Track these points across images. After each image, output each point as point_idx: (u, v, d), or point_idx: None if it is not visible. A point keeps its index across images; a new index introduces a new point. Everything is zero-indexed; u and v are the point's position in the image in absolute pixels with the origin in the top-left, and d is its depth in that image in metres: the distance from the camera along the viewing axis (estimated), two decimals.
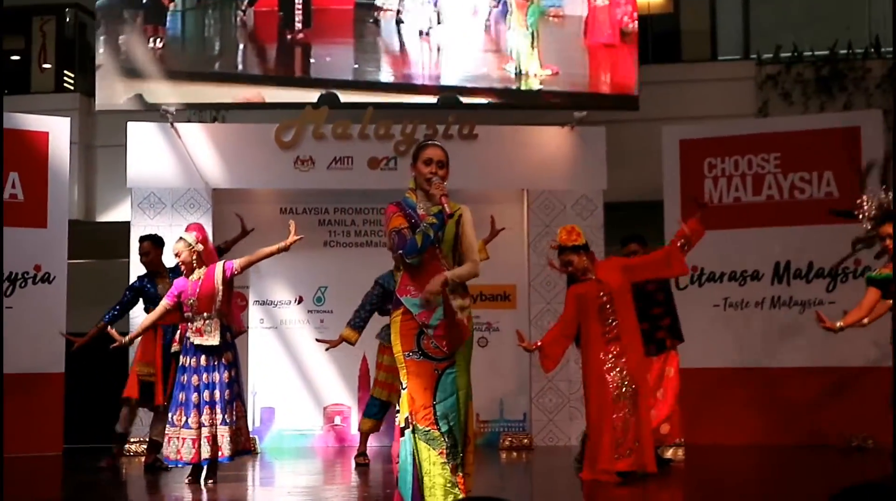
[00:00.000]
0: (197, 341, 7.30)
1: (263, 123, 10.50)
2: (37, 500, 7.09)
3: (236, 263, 7.45)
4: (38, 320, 9.55)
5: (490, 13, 10.47)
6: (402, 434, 5.16)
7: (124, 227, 10.39)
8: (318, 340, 9.01)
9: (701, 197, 9.17)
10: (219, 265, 7.43)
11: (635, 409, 7.37)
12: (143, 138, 10.29)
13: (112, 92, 10.15)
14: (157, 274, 8.51)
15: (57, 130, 10.14)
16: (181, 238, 7.50)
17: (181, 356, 7.42)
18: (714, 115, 12.14)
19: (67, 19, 14.36)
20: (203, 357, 7.31)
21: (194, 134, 10.39)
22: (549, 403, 10.21)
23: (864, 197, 7.32)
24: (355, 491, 7.73)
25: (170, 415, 7.35)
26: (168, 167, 10.25)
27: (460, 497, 5.02)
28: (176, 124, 10.31)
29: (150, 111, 10.27)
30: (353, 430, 10.33)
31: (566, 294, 7.69)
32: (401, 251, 5.08)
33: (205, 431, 7.23)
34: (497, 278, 10.25)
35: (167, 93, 10.15)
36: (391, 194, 9.76)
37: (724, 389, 9.96)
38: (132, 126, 10.34)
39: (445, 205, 5.10)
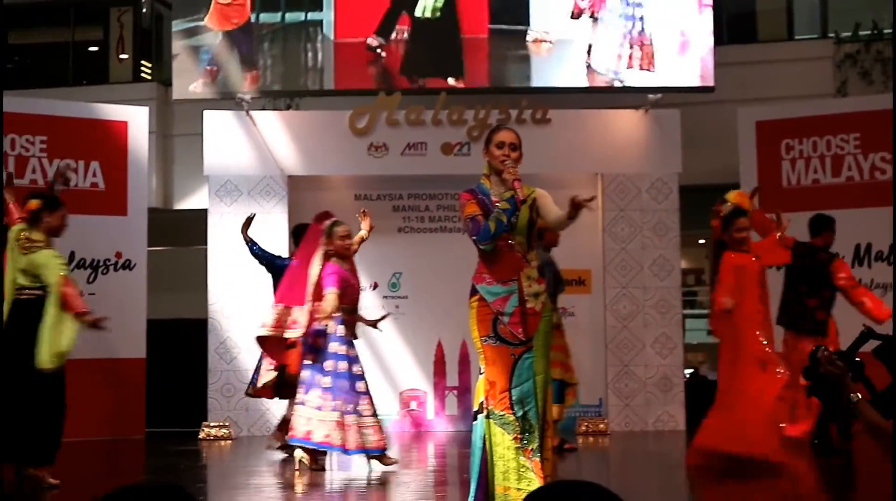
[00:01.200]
0: (351, 332, 7.41)
1: (337, 110, 10.56)
2: (118, 482, 7.22)
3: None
4: (120, 306, 9.72)
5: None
6: (475, 418, 5.18)
7: (202, 214, 10.53)
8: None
9: (773, 179, 8.88)
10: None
11: (793, 391, 7.19)
12: (219, 127, 10.41)
13: (188, 81, 10.28)
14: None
15: (136, 120, 10.30)
16: (342, 223, 7.51)
17: (337, 345, 7.36)
18: (791, 95, 11.96)
19: (144, 10, 14.56)
20: (347, 347, 7.38)
21: (269, 122, 10.50)
22: (626, 388, 10.17)
23: None
24: (432, 476, 7.78)
25: (315, 399, 7.29)
26: (244, 155, 10.37)
27: (535, 481, 5.02)
28: (251, 112, 10.41)
29: (225, 100, 10.39)
30: (429, 415, 10.38)
31: (724, 262, 7.36)
32: (475, 238, 5.09)
33: (350, 418, 7.26)
34: (572, 263, 10.21)
35: (243, 81, 10.26)
36: (465, 180, 9.79)
37: None
38: (208, 115, 10.46)
39: (518, 190, 5.09)
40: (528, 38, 10.31)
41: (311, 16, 10.35)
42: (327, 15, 10.32)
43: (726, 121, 10.95)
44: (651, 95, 10.43)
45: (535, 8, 10.36)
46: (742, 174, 10.43)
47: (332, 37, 10.31)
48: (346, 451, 7.25)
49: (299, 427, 7.22)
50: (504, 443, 5.07)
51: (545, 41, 10.32)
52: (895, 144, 9.20)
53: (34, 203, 6.70)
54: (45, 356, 6.37)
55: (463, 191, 5.24)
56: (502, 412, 5.08)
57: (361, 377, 7.38)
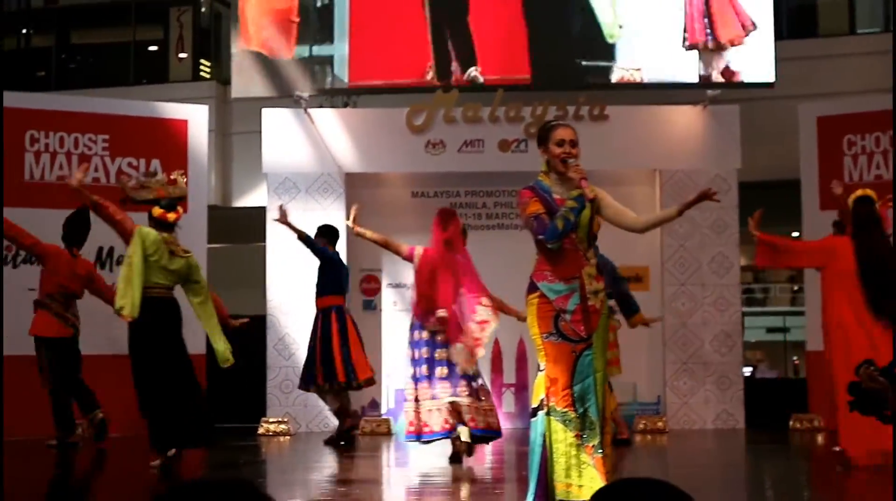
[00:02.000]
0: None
1: (395, 108, 10.59)
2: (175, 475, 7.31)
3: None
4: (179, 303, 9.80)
5: None
6: (534, 415, 5.17)
7: (260, 212, 10.61)
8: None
9: (835, 175, 8.65)
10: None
11: None
12: (277, 125, 10.49)
13: (247, 80, 10.37)
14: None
15: (196, 118, 10.40)
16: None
17: (424, 333, 7.44)
18: (853, 90, 11.80)
19: (203, 9, 14.70)
20: (438, 335, 7.42)
21: (327, 119, 10.55)
22: (684, 386, 10.10)
23: None
24: (489, 473, 7.78)
25: (413, 388, 7.37)
26: (302, 152, 10.43)
27: (597, 477, 5.01)
28: (309, 110, 10.47)
29: (283, 98, 10.46)
30: None
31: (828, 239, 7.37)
32: (541, 236, 5.07)
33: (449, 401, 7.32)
34: (630, 260, 10.15)
35: (301, 80, 10.33)
36: (522, 177, 9.79)
37: None
38: (267, 113, 10.54)
39: (586, 188, 5.08)
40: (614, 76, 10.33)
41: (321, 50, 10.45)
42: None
43: (787, 116, 10.83)
44: (710, 91, 10.35)
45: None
46: (803, 170, 10.32)
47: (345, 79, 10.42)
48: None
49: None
50: (566, 440, 5.06)
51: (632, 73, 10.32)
52: (895, 144, 9.05)
53: (159, 211, 6.97)
54: (227, 354, 7.14)
55: (523, 188, 5.22)
56: (564, 410, 5.08)
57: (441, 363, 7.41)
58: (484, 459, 8.19)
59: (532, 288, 5.17)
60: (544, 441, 5.09)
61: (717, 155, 10.39)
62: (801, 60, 12.04)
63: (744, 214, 10.06)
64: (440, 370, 7.32)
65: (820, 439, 8.44)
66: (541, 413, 5.11)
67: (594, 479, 5.00)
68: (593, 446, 5.12)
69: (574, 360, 5.10)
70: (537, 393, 5.14)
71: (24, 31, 15.02)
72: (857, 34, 13.00)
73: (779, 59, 10.41)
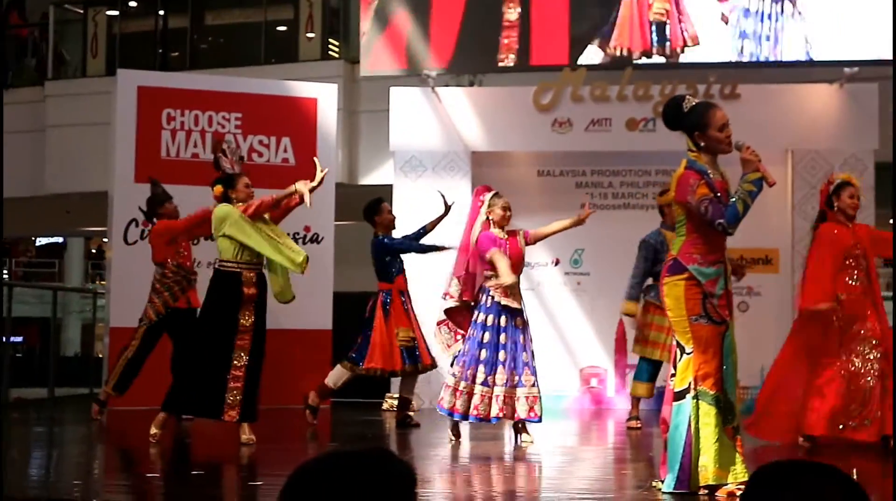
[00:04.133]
0: (504, 301, 7.37)
1: (521, 86, 10.57)
2: (309, 449, 7.46)
3: (532, 233, 7.54)
4: (308, 278, 9.94)
5: None
6: (679, 399, 5.12)
7: (386, 190, 10.71)
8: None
9: None
10: (521, 232, 7.53)
11: (882, 376, 6.98)
12: (405, 103, 10.56)
13: (376, 59, 10.45)
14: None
15: (325, 97, 10.54)
16: (502, 196, 7.62)
17: (479, 314, 7.38)
18: None
19: None
20: (504, 318, 7.37)
21: (454, 98, 10.59)
22: None
23: None
24: (612, 453, 7.75)
25: (460, 370, 7.32)
26: (429, 131, 10.49)
27: (739, 459, 5.00)
28: (437, 89, 10.52)
29: (411, 76, 10.52)
30: (610, 392, 10.33)
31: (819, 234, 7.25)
32: (721, 222, 5.00)
33: (497, 390, 7.22)
34: (759, 242, 9.97)
35: (429, 58, 10.37)
36: (650, 156, 9.75)
37: None
38: (395, 91, 10.62)
39: (766, 173, 5.04)
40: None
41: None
42: None
43: None
44: (847, 69, 10.06)
45: None
46: None
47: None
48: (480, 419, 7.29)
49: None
50: (718, 424, 5.03)
51: None
52: (895, 146, 8.65)
53: (219, 189, 7.15)
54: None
55: (686, 170, 5.15)
56: (716, 393, 5.05)
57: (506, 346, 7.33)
58: (607, 440, 8.17)
59: (678, 270, 5.12)
60: (689, 425, 5.06)
61: (853, 135, 10.10)
62: None
63: (880, 195, 9.79)
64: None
65: None
66: (688, 397, 5.08)
67: (737, 463, 5.00)
68: (733, 428, 5.10)
69: (721, 342, 5.09)
70: (684, 377, 5.09)
71: (160, 12, 15.39)
72: None
73: None
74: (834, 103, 10.18)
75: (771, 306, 10.15)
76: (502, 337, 7.29)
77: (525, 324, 7.38)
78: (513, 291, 7.29)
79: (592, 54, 10.33)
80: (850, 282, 7.11)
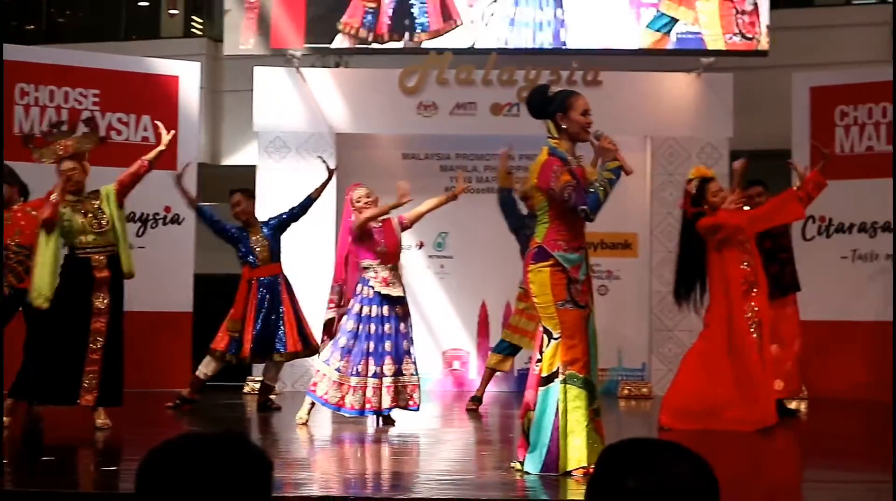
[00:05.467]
0: (384, 291, 7.35)
1: (387, 69, 10.54)
2: (166, 433, 7.33)
3: (407, 216, 7.58)
4: (168, 260, 9.82)
5: None
6: (546, 383, 5.19)
7: (250, 170, 10.59)
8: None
9: (826, 146, 8.81)
10: (394, 219, 7.53)
11: (761, 359, 7.27)
12: (269, 83, 10.43)
13: (239, 38, 10.29)
14: (251, 226, 8.63)
15: (187, 75, 10.34)
16: (363, 186, 7.59)
17: (358, 305, 7.40)
18: (847, 61, 11.77)
19: None
20: (386, 307, 7.37)
21: (319, 79, 10.50)
22: (669, 353, 10.12)
23: None
24: (473, 435, 7.82)
25: (336, 362, 7.34)
26: (293, 112, 10.38)
27: (599, 441, 5.09)
28: (301, 69, 10.41)
29: (275, 56, 10.39)
30: (472, 375, 10.41)
31: (712, 219, 7.47)
32: (584, 208, 5.06)
33: (387, 380, 7.28)
34: (618, 227, 10.17)
35: (293, 38, 10.24)
36: (514, 141, 9.80)
37: (847, 342, 9.74)
38: (258, 71, 10.48)
39: (625, 162, 5.13)
40: None
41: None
42: None
43: (780, 86, 10.80)
44: (704, 59, 10.31)
45: None
46: (794, 140, 10.31)
47: None
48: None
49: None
50: (585, 407, 5.11)
51: None
52: (895, 129, 9.05)
53: None
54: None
55: (549, 156, 5.20)
56: (585, 377, 5.12)
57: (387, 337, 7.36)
58: (468, 422, 8.23)
59: (543, 256, 5.18)
60: (558, 409, 5.13)
61: (709, 123, 10.36)
62: (796, 30, 11.98)
63: (734, 183, 10.07)
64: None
65: (803, 406, 8.53)
66: (556, 382, 5.14)
67: (602, 444, 5.09)
68: (595, 410, 5.20)
69: (586, 327, 5.18)
70: (552, 362, 5.15)
71: None
72: (853, 5, 12.96)
73: (774, 28, 10.37)
74: (691, 92, 10.43)
75: (629, 290, 10.38)
76: (386, 327, 7.31)
77: (406, 312, 7.42)
78: (393, 280, 7.33)
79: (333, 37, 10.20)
80: (745, 267, 7.35)
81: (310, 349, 8.56)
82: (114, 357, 6.92)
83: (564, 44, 10.21)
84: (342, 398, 7.27)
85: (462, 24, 10.16)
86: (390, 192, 8.40)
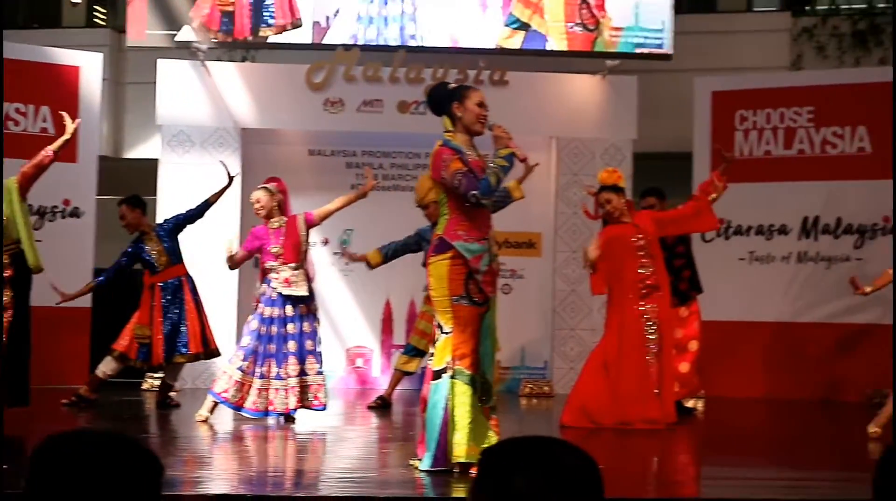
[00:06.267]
0: (286, 291, 7.31)
1: (294, 64, 10.47)
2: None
3: (315, 213, 7.55)
4: (67, 254, 9.61)
5: None
6: (437, 378, 5.20)
7: (153, 164, 10.43)
8: (344, 252, 8.94)
9: (727, 150, 8.99)
10: (300, 216, 7.49)
11: (660, 359, 7.40)
12: (173, 76, 10.28)
13: (143, 29, 10.12)
14: (144, 234, 8.51)
15: (89, 66, 10.14)
16: (262, 187, 7.56)
17: (262, 305, 7.38)
18: (748, 67, 12.01)
19: None
20: (290, 307, 7.33)
21: (225, 73, 10.38)
22: (571, 351, 10.23)
23: None
24: (376, 433, 7.81)
25: (239, 362, 7.31)
26: (198, 106, 10.25)
27: (494, 438, 5.09)
28: (207, 63, 10.29)
29: (180, 49, 10.25)
30: (375, 372, 10.40)
31: (597, 238, 7.68)
32: (475, 193, 5.08)
33: (292, 381, 7.26)
34: (523, 226, 10.24)
35: (199, 31, 10.11)
36: (420, 138, 9.81)
37: (745, 342, 9.95)
38: (162, 63, 10.33)
39: (517, 149, 5.15)
40: None
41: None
42: None
43: (683, 90, 10.98)
44: (609, 61, 10.43)
45: None
46: (696, 143, 10.49)
47: None
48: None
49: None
50: (473, 403, 5.12)
51: None
52: (895, 125, 9.24)
53: None
54: None
55: (440, 146, 5.23)
56: (472, 373, 5.13)
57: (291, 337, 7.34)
58: (370, 419, 8.22)
59: (443, 248, 5.18)
60: (446, 404, 5.14)
61: (614, 125, 10.49)
62: (700, 35, 12.19)
63: (637, 184, 10.21)
64: None
65: (700, 405, 8.69)
66: (445, 376, 5.15)
67: (493, 440, 5.09)
68: (490, 407, 5.21)
69: (479, 324, 5.18)
70: (442, 356, 5.16)
71: None
72: (755, 12, 13.22)
73: (678, 33, 10.53)
74: (597, 94, 10.54)
75: (533, 289, 10.46)
76: (290, 327, 7.29)
77: (310, 311, 7.40)
78: (296, 280, 7.31)
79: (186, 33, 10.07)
80: (642, 271, 7.46)
81: (209, 352, 8.49)
82: (18, 357, 6.74)
83: (413, 37, 10.21)
84: (242, 398, 7.25)
85: (301, 21, 10.08)
86: (296, 188, 8.38)
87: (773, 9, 13.16)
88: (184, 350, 8.37)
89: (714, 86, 10.61)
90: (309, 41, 10.24)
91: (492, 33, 10.22)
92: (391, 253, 8.30)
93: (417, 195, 7.82)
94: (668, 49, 10.37)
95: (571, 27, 10.21)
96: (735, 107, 10.43)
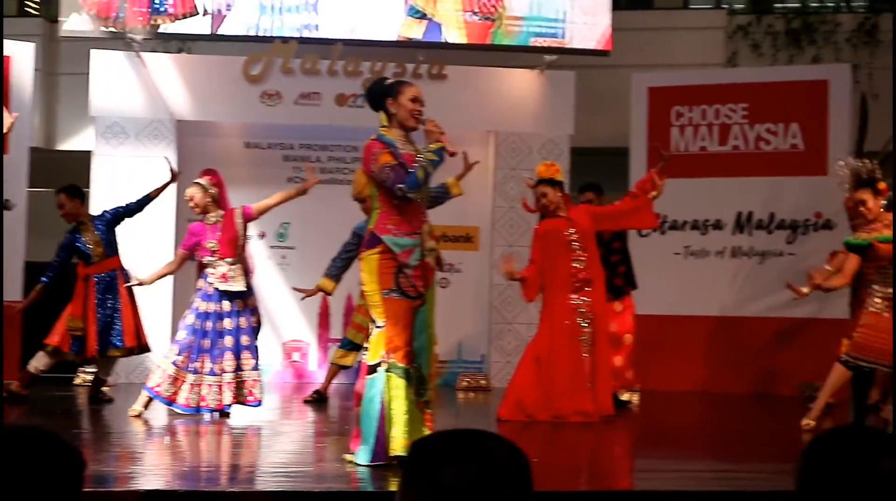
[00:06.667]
0: (223, 286, 7.25)
1: (231, 56, 10.37)
2: None
3: (254, 207, 7.50)
4: None
5: None
6: (372, 372, 5.18)
7: (86, 156, 10.29)
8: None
9: (665, 148, 9.06)
10: (237, 211, 7.43)
11: (594, 353, 7.44)
12: (107, 67, 10.15)
13: (77, 18, 9.97)
14: (81, 225, 8.41)
15: (20, 55, 9.96)
16: (196, 183, 7.48)
17: (198, 300, 7.33)
18: (684, 63, 12.11)
19: None
20: (226, 303, 7.27)
21: (160, 64, 10.26)
22: (508, 345, 10.26)
23: (841, 163, 7.40)
24: (312, 427, 7.78)
25: (173, 356, 7.27)
26: (132, 97, 10.12)
27: (426, 433, 5.08)
28: (142, 54, 10.16)
29: (115, 40, 10.11)
30: (312, 366, 10.36)
31: (534, 233, 7.72)
32: (401, 186, 5.07)
33: (227, 377, 7.23)
34: (461, 220, 10.25)
35: (93, 20, 9.92)
36: (358, 132, 9.74)
37: (680, 336, 10.04)
38: (96, 54, 10.18)
39: (448, 144, 5.14)
40: None
41: None
42: None
43: (621, 86, 11.05)
44: (546, 56, 10.47)
45: None
46: (632, 138, 10.57)
47: None
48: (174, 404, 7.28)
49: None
50: (409, 397, 5.12)
51: None
52: (895, 141, 9.35)
53: None
54: None
55: (371, 140, 5.23)
56: (406, 366, 5.12)
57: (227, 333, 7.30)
58: (307, 414, 8.19)
59: (374, 243, 5.18)
60: (382, 398, 5.13)
61: (552, 120, 10.53)
62: (637, 31, 12.26)
63: (574, 178, 10.26)
64: None
65: (636, 398, 8.77)
66: (380, 370, 5.14)
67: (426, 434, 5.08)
68: (425, 402, 5.21)
69: (412, 317, 5.17)
70: (376, 351, 5.16)
71: None
72: (691, 9, 13.33)
73: (616, 29, 10.59)
74: (535, 89, 10.58)
75: (470, 283, 10.47)
76: (226, 323, 7.25)
77: (246, 305, 7.36)
78: (232, 275, 7.26)
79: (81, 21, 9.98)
80: (576, 265, 7.50)
81: (141, 347, 8.41)
82: None
83: (317, 27, 10.16)
84: (175, 393, 7.22)
85: (197, 10, 9.99)
86: (233, 181, 8.31)
87: (709, 6, 13.28)
88: (118, 344, 8.28)
89: (650, 82, 10.70)
90: (207, 31, 10.08)
91: (393, 23, 10.19)
92: (338, 270, 8.34)
93: (354, 189, 7.79)
94: (606, 45, 10.41)
95: (469, 16, 10.22)
96: (671, 103, 10.53)
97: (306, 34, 10.11)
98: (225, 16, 10.06)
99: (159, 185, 8.48)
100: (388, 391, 5.13)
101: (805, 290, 7.08)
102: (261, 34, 10.09)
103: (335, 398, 8.84)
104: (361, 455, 5.23)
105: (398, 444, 5.11)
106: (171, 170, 8.41)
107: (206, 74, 10.31)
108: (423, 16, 10.18)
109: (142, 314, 8.50)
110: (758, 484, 5.31)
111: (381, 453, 5.18)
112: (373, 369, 5.17)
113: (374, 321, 5.18)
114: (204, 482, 5.20)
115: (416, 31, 10.19)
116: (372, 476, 5.11)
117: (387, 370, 5.13)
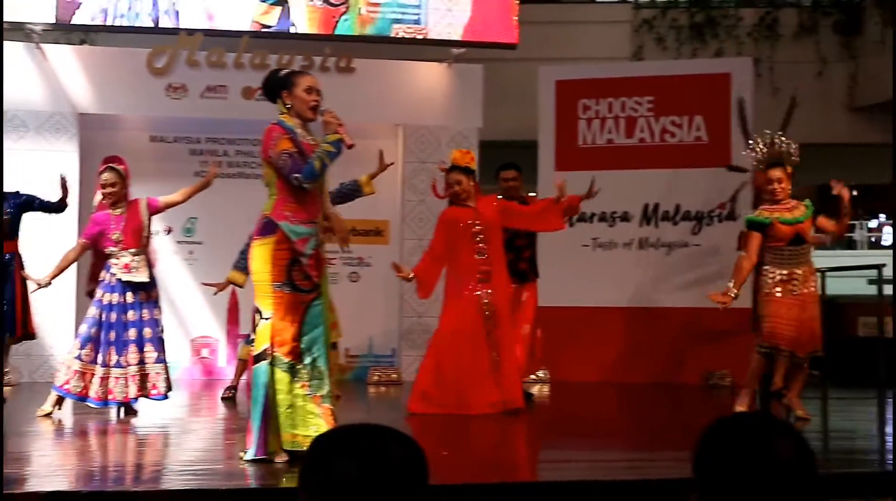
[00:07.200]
0: (126, 277, 7.13)
1: (135, 48, 10.20)
2: None
3: (161, 200, 7.40)
4: None
5: None
6: (256, 362, 5.15)
7: None
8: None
9: (570, 138, 9.05)
10: (142, 201, 7.31)
11: (497, 345, 7.45)
12: (6, 58, 9.88)
13: None
14: None
15: None
16: (113, 168, 7.30)
17: (101, 292, 7.20)
18: (591, 57, 12.23)
19: None
20: (129, 294, 7.15)
21: (62, 56, 10.06)
22: (419, 339, 10.26)
23: (756, 139, 7.52)
24: (221, 424, 7.70)
25: (77, 351, 7.14)
26: (33, 89, 9.91)
27: (324, 427, 5.04)
28: (42, 45, 9.94)
29: (14, 30, 9.87)
30: (221, 363, 10.26)
31: (438, 219, 7.72)
32: (297, 176, 5.03)
33: (132, 369, 7.12)
34: (370, 214, 10.22)
35: (33, 11, 9.75)
36: (266, 125, 9.68)
37: (589, 327, 10.14)
38: None
39: (345, 135, 5.11)
40: None
41: None
42: None
43: (528, 79, 11.11)
44: (454, 49, 10.48)
45: None
46: (540, 131, 10.64)
47: None
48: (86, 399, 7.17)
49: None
50: (292, 390, 5.07)
51: None
52: (895, 138, 9.46)
53: None
54: None
55: (272, 124, 5.19)
56: (291, 361, 5.08)
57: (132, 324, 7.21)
58: (216, 410, 8.11)
59: (269, 230, 5.13)
60: (267, 391, 5.09)
61: (460, 113, 10.56)
62: (544, 24, 12.35)
63: (484, 172, 10.29)
64: None
65: (546, 389, 8.83)
66: (264, 363, 5.10)
67: (321, 428, 5.02)
68: (322, 396, 5.16)
69: (304, 311, 5.12)
70: (261, 342, 5.11)
71: None
72: (597, 3, 13.47)
73: (523, 23, 10.65)
74: (443, 82, 10.59)
75: (380, 277, 10.44)
76: (130, 314, 7.14)
77: (150, 297, 7.26)
78: (136, 265, 7.15)
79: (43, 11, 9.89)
80: (478, 257, 7.50)
81: (26, 335, 8.27)
82: None
83: (168, 13, 10.05)
84: (86, 387, 7.10)
85: None
86: (137, 174, 8.17)
87: (615, 0, 13.43)
88: (10, 332, 8.11)
89: (558, 75, 10.77)
90: (52, 19, 9.87)
91: (248, 9, 10.13)
92: (247, 262, 8.22)
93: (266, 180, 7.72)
94: (513, 38, 10.47)
95: (319, 3, 10.20)
96: (578, 96, 10.62)
97: (165, 20, 9.94)
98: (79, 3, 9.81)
99: (57, 199, 8.35)
100: (272, 385, 5.09)
101: (726, 298, 7.14)
102: (116, 21, 9.85)
103: (244, 394, 8.73)
104: (249, 451, 5.20)
105: (285, 438, 5.08)
106: (63, 185, 8.21)
107: (109, 66, 10.13)
108: (275, 2, 10.11)
109: (31, 300, 8.32)
110: (665, 472, 5.37)
111: (262, 447, 5.15)
112: (257, 360, 5.14)
113: (260, 312, 5.14)
114: (110, 482, 5.11)
115: (271, 17, 10.11)
116: (256, 472, 5.05)
117: (270, 364, 5.09)
